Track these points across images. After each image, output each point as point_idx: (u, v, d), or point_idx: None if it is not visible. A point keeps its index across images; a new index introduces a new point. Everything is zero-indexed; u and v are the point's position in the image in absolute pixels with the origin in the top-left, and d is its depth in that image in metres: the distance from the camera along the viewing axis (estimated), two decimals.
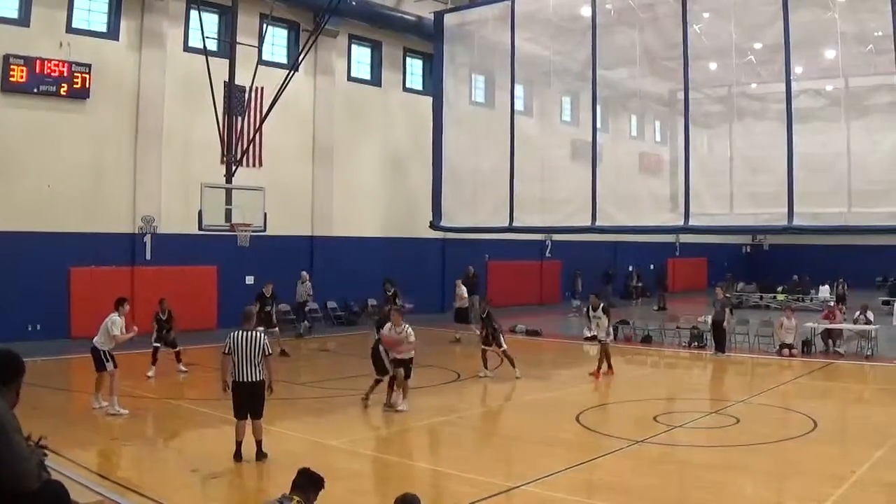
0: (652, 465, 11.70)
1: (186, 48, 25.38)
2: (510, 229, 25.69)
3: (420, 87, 33.14)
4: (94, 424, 13.70)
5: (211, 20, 25.45)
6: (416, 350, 15.34)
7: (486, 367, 19.21)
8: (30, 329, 21.50)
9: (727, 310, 23.21)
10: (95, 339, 14.61)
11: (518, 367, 18.77)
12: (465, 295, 26.72)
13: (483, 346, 19.53)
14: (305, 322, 26.38)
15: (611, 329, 20.32)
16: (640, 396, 16.98)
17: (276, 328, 21.51)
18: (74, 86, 22.63)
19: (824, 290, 37.28)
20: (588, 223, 23.58)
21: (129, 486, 10.05)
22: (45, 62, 22.11)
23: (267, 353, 11.43)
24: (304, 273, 26.40)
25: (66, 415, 14.41)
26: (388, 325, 15.29)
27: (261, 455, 11.23)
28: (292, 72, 23.27)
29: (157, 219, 24.62)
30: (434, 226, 27.22)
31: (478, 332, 21.25)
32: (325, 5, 23.54)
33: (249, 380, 11.21)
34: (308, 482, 6.64)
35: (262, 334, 11.63)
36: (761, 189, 21.28)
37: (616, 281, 39.73)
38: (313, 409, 15.75)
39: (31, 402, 12.53)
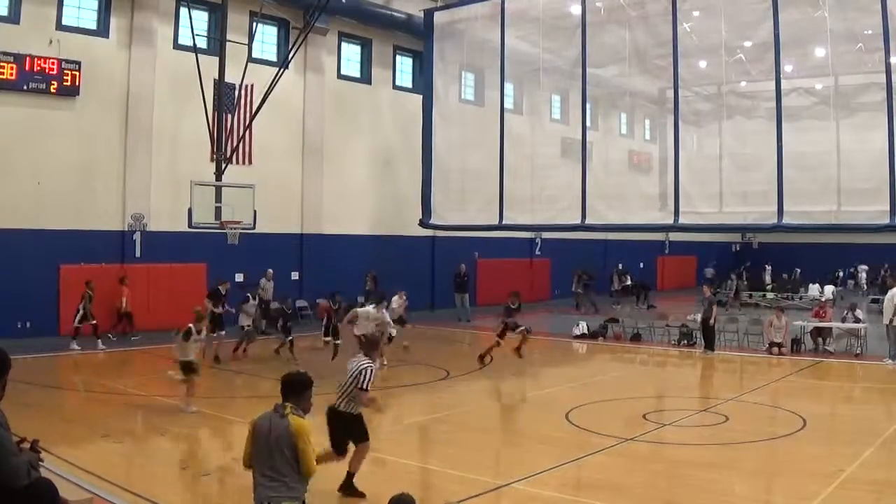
0: (641, 462, 11.74)
1: (176, 45, 25.27)
2: (500, 227, 25.68)
3: (410, 85, 33.09)
4: (85, 422, 13.65)
5: (201, 17, 25.38)
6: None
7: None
8: (19, 326, 21.41)
9: (713, 306, 23.27)
10: None
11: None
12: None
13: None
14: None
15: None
16: (630, 394, 17.01)
17: (223, 331, 20.71)
18: (64, 83, 22.50)
19: (814, 289, 37.38)
20: (578, 221, 23.60)
21: (120, 483, 10.03)
22: (35, 59, 21.97)
23: None
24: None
25: (57, 412, 14.37)
26: None
27: None
28: (282, 69, 23.28)
29: (146, 216, 24.52)
30: (423, 224, 27.20)
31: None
32: (315, 3, 23.50)
33: None
34: (290, 390, 7.15)
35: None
36: (751, 187, 21.32)
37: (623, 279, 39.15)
38: None
39: (21, 399, 12.54)
